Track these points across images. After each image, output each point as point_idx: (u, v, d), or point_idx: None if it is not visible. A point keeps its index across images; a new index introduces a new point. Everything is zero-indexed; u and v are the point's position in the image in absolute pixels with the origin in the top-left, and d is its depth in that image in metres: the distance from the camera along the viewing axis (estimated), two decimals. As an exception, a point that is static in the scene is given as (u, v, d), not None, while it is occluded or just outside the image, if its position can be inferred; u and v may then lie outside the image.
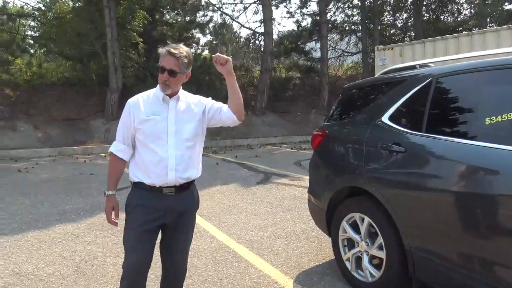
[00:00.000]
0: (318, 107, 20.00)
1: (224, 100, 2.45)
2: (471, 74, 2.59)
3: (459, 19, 23.20)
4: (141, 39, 15.38)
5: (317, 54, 22.26)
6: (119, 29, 15.13)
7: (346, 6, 24.76)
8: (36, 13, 17.90)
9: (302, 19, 21.42)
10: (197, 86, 14.71)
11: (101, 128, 15.13)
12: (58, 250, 4.30)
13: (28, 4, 36.06)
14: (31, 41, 18.58)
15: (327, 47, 20.16)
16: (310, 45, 22.54)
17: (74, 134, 14.62)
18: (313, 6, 23.15)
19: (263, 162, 10.55)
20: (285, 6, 26.29)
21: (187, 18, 19.37)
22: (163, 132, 2.29)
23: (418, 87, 2.87)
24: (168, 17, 19.76)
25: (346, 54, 24.23)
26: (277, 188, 7.21)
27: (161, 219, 2.33)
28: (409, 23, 23.98)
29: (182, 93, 2.40)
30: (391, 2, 24.21)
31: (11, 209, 6.00)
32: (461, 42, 9.39)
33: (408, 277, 2.76)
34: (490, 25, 20.17)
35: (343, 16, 25.17)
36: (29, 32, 18.99)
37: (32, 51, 18.62)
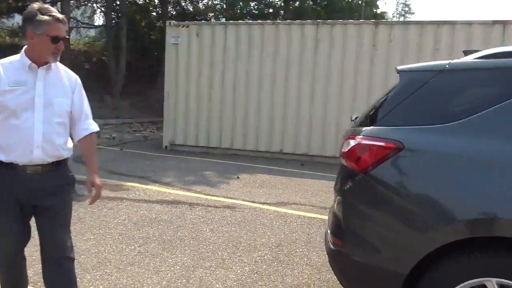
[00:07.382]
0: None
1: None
2: None
3: (198, 8, 23.78)
4: None
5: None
6: None
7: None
8: None
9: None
10: None
11: None
12: None
13: None
14: None
15: (69, 11, 16.67)
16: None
17: None
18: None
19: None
20: None
21: None
22: (29, 104, 2.03)
23: None
24: None
25: (83, 25, 20.88)
26: (111, 206, 4.92)
27: (28, 200, 2.10)
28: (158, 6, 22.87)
29: (54, 63, 2.13)
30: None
31: None
32: (266, 29, 9.05)
33: None
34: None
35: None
36: None
37: None
